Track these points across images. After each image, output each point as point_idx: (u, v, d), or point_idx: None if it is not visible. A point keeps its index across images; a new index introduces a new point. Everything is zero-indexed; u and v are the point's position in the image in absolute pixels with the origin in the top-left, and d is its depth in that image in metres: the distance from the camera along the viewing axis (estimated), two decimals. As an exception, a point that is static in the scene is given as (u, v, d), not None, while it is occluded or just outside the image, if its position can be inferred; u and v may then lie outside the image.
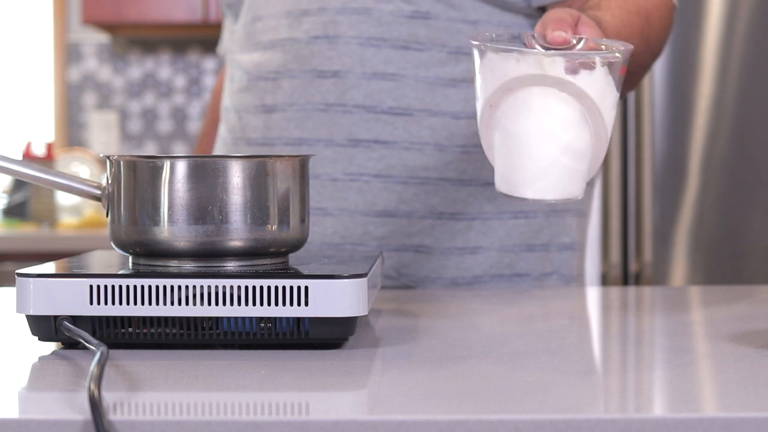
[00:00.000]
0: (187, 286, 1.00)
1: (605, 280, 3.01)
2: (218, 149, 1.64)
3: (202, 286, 1.00)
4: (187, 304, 1.00)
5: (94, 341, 0.93)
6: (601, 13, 1.38)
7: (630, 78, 1.48)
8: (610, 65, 1.08)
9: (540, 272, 1.57)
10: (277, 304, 0.99)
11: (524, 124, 1.07)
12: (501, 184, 1.10)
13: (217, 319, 1.01)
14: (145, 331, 1.01)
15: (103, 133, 4.17)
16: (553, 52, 1.07)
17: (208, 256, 1.05)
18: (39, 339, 1.02)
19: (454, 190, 1.52)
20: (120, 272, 1.01)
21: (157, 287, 1.00)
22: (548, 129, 1.07)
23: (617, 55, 1.08)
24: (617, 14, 1.42)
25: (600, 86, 1.07)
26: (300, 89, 1.52)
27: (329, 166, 1.51)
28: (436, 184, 1.51)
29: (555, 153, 1.07)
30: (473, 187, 1.53)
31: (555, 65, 1.06)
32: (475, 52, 1.11)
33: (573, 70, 1.06)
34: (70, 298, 1.00)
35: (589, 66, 1.07)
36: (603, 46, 1.14)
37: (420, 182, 1.51)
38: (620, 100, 1.12)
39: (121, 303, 1.00)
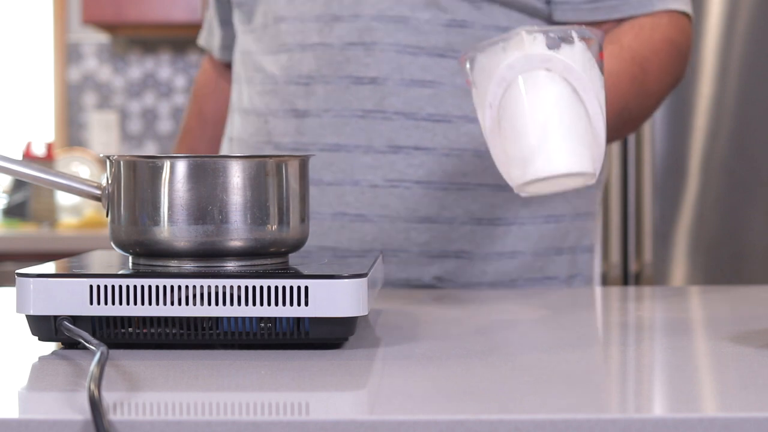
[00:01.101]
0: (187, 286, 1.00)
1: (605, 280, 3.01)
2: (235, 151, 1.62)
3: (202, 286, 1.00)
4: (187, 304, 1.00)
5: (94, 341, 0.93)
6: None
7: (629, 123, 1.53)
8: (587, 42, 1.15)
9: (567, 274, 1.60)
10: (277, 304, 0.99)
11: (520, 108, 1.13)
12: (511, 180, 1.13)
13: (217, 319, 1.01)
14: (145, 331, 1.01)
15: (103, 133, 4.17)
16: (532, 28, 1.14)
17: (208, 256, 1.05)
18: (39, 339, 1.02)
19: (492, 195, 1.53)
20: (120, 272, 1.01)
21: (157, 287, 1.00)
22: (541, 105, 1.12)
23: (590, 31, 1.16)
24: (606, 64, 1.44)
25: (582, 60, 1.14)
26: (336, 95, 1.51)
27: (369, 172, 1.50)
28: (475, 189, 1.52)
29: (549, 126, 1.12)
30: (510, 192, 1.54)
31: (536, 42, 1.13)
32: (467, 67, 1.17)
33: (554, 46, 1.13)
34: (70, 298, 1.00)
35: (568, 40, 1.13)
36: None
37: (460, 188, 1.52)
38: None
39: (121, 303, 1.00)
